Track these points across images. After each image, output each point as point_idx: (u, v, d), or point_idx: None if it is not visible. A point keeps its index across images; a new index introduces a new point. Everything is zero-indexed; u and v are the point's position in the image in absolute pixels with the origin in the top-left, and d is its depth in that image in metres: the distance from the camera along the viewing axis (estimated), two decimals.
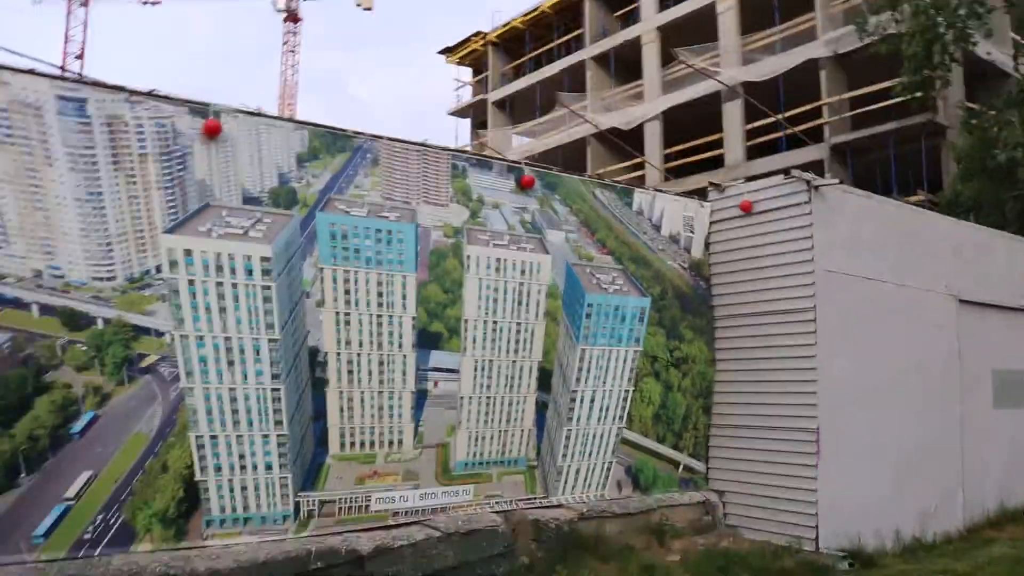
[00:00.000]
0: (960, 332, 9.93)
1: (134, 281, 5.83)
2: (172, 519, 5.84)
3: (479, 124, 43.19)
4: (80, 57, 70.87)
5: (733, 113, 30.14)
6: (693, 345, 8.90)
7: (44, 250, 5.56)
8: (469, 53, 44.20)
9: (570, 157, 35.29)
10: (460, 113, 44.71)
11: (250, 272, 6.15)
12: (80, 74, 6.03)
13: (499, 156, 7.85)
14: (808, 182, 8.42)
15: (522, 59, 41.74)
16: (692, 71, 29.78)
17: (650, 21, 34.32)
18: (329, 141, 6.81)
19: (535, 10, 40.00)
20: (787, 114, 28.24)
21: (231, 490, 6.10)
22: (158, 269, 5.88)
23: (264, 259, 6.22)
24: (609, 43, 35.85)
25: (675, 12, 33.37)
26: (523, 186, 7.81)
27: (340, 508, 6.58)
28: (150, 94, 6.06)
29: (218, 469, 6.05)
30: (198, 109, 6.19)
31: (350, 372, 6.69)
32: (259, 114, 6.52)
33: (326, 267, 6.60)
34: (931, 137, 24.89)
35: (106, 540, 5.58)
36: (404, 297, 6.96)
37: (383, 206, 6.95)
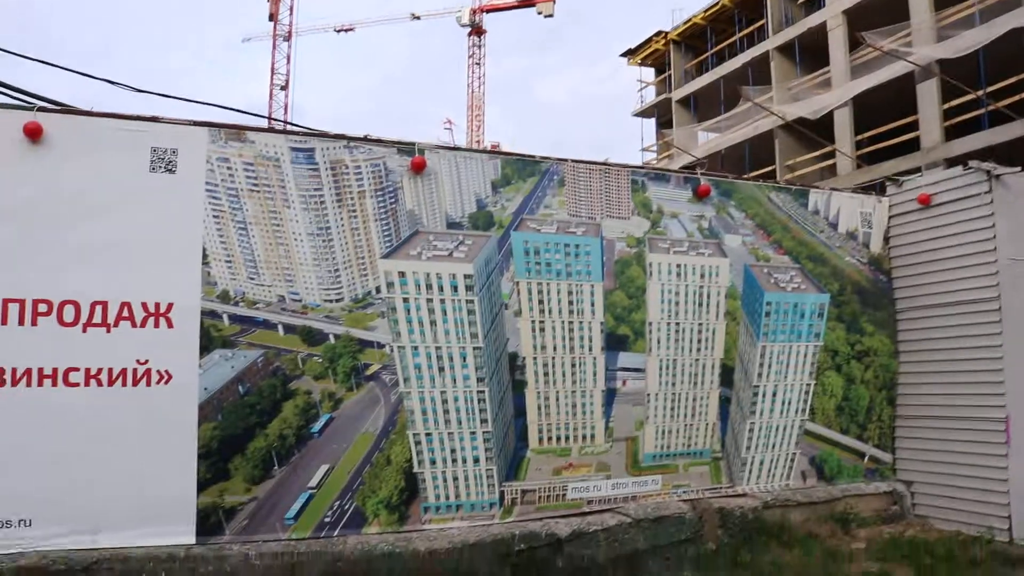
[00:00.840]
0: None
1: (358, 301, 6.80)
2: (395, 505, 6.77)
3: (664, 123, 43.30)
4: (285, 88, 76.10)
5: (928, 93, 28.90)
6: (875, 338, 9.08)
7: (286, 278, 6.62)
8: (651, 53, 44.43)
9: (757, 150, 34.91)
10: (644, 113, 44.96)
11: (455, 288, 7.01)
12: (309, 128, 7.07)
13: (674, 170, 8.37)
14: (988, 172, 8.44)
15: (704, 55, 41.58)
16: (881, 53, 28.85)
17: (835, 5, 33.39)
18: (519, 167, 7.59)
19: (716, 4, 39.76)
20: (989, 89, 26.86)
21: (445, 480, 6.97)
22: (377, 290, 6.84)
23: (467, 276, 7.06)
24: (793, 31, 35.15)
25: None
26: (699, 195, 8.32)
27: (540, 496, 7.33)
28: (365, 139, 7.04)
29: (433, 462, 6.93)
30: (405, 148, 7.11)
31: (546, 374, 7.44)
32: (457, 148, 7.41)
33: (521, 280, 7.38)
34: None
35: (342, 523, 6.56)
36: (592, 304, 7.64)
37: (570, 222, 7.66)
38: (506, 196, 7.48)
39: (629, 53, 45.61)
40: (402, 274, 6.89)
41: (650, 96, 45.39)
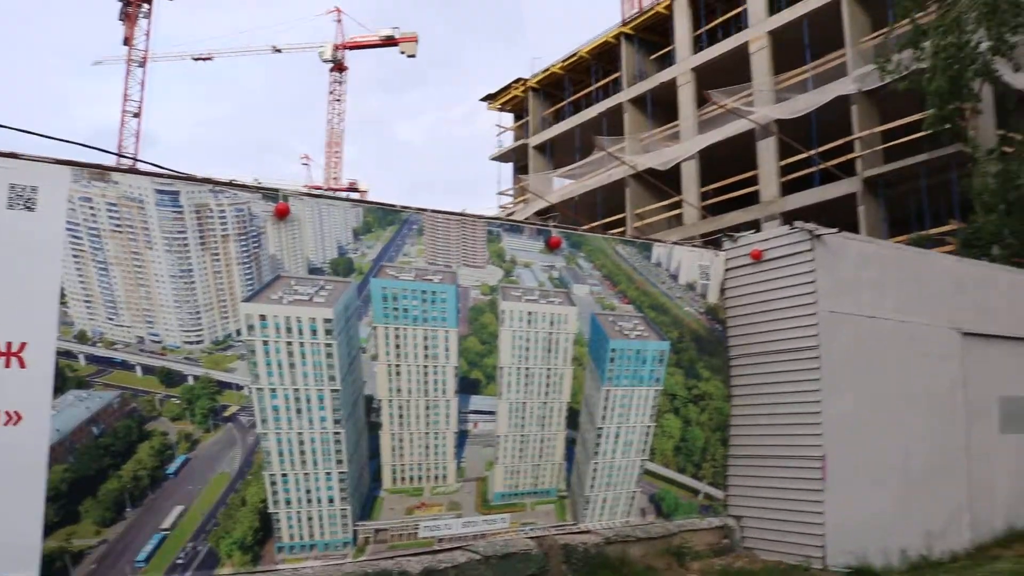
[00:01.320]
0: (964, 362, 10.65)
1: (218, 343, 6.91)
2: (249, 546, 6.86)
3: (521, 168, 44.36)
4: (138, 115, 73.72)
5: (767, 150, 30.89)
6: (710, 383, 9.77)
7: (146, 319, 6.68)
8: (510, 99, 45.57)
9: (609, 198, 36.29)
10: (502, 158, 45.95)
11: (315, 332, 7.21)
12: (175, 171, 7.17)
13: (527, 222, 8.84)
14: (811, 232, 9.29)
15: (561, 104, 43.00)
16: (726, 110, 30.67)
17: (685, 63, 35.31)
18: (380, 216, 7.88)
19: (573, 55, 41.30)
20: (820, 149, 28.95)
21: (299, 520, 7.11)
22: (238, 332, 6.96)
23: (327, 321, 7.28)
24: (646, 85, 36.90)
25: (710, 53, 34.33)
26: (551, 247, 8.81)
27: (392, 535, 7.56)
28: (230, 184, 7.20)
29: (288, 503, 7.06)
30: (269, 195, 7.30)
31: (401, 416, 7.70)
32: (321, 195, 7.64)
33: (379, 326, 7.64)
34: (961, 167, 25.39)
35: (195, 564, 6.61)
36: (447, 349, 7.98)
37: (428, 270, 7.99)
38: (367, 243, 7.75)
39: (489, 98, 46.60)
40: (263, 317, 7.04)
41: (508, 141, 46.43)
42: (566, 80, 42.76)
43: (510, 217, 37.99)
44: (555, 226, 9.04)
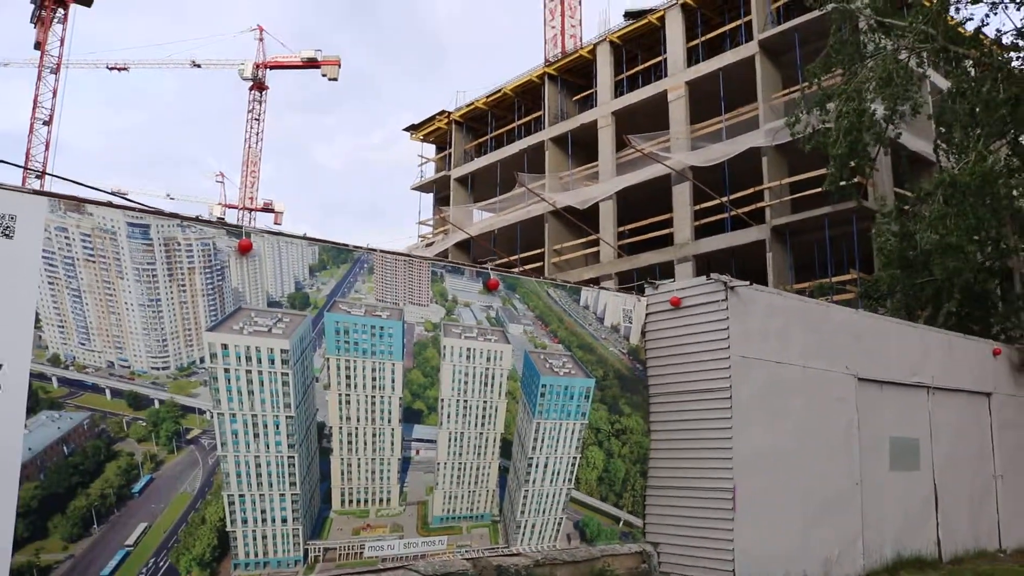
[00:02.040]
0: (859, 405, 11.67)
1: (183, 370, 7.35)
2: (208, 562, 7.27)
3: (442, 199, 45.05)
4: (48, 123, 71.95)
5: (682, 195, 32.26)
6: (631, 418, 10.52)
7: (116, 345, 7.08)
8: (434, 131, 46.31)
9: (529, 233, 37.22)
10: (423, 188, 46.57)
11: (272, 362, 7.70)
12: (146, 205, 7.60)
13: (468, 264, 9.47)
14: (725, 283, 10.15)
15: (484, 138, 43.94)
16: (644, 154, 31.95)
17: (606, 106, 36.61)
18: (334, 254, 8.44)
19: (497, 91, 42.28)
20: (732, 196, 30.39)
21: (255, 539, 7.56)
22: (201, 360, 7.41)
23: (283, 351, 7.78)
24: (567, 126, 38.07)
25: (630, 99, 35.70)
26: (489, 288, 9.47)
27: (340, 554, 8.04)
28: (197, 219, 7.67)
29: (245, 521, 7.51)
30: (234, 231, 7.79)
31: (350, 442, 8.22)
32: (280, 233, 8.13)
33: (332, 357, 8.17)
34: (861, 221, 27.03)
35: None
36: (393, 381, 8.54)
37: (377, 307, 8.56)
38: (322, 280, 8.29)
39: (412, 128, 47.23)
40: (225, 346, 7.51)
41: (430, 171, 47.09)
42: (489, 115, 43.73)
43: (448, 258, 38.57)
44: (493, 269, 9.70)
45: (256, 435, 7.59)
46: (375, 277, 8.64)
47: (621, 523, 10.30)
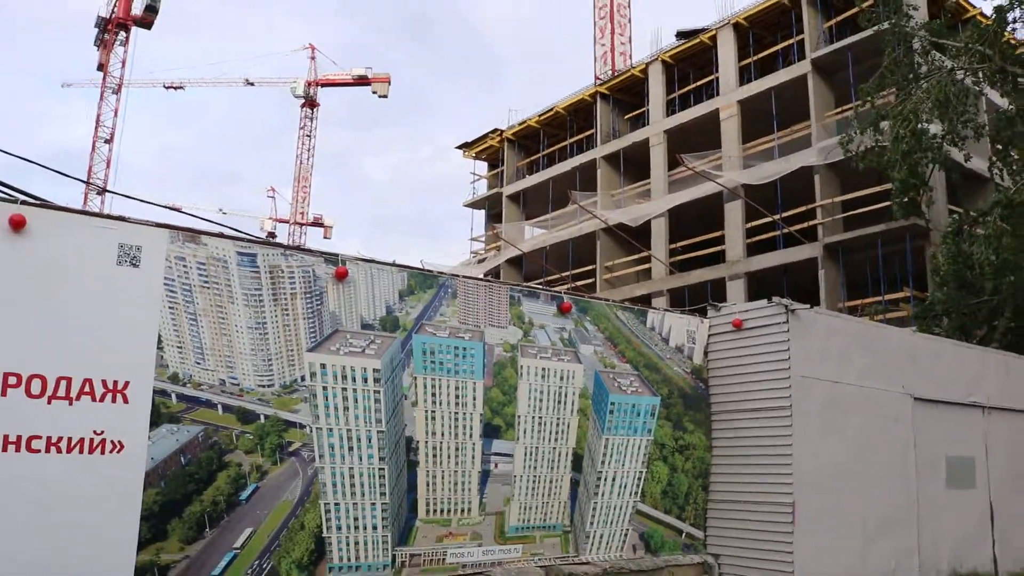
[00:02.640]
0: (915, 424, 12.00)
1: (286, 387, 7.99)
2: (305, 565, 7.88)
3: (494, 216, 45.72)
4: (109, 141, 74.07)
5: (734, 212, 32.55)
6: (694, 435, 10.97)
7: (227, 364, 7.74)
8: (486, 148, 47.07)
9: (581, 250, 37.72)
10: (475, 205, 47.29)
11: (366, 380, 8.31)
12: (255, 236, 8.27)
13: (543, 288, 10.02)
14: (786, 306, 10.58)
15: (536, 156, 44.57)
16: (696, 172, 32.30)
17: (658, 125, 37.06)
18: (421, 280, 9.04)
19: (550, 110, 42.94)
20: (784, 214, 30.64)
21: (348, 544, 8.15)
22: (302, 378, 8.04)
23: (375, 371, 8.39)
24: (619, 144, 38.57)
25: (681, 117, 36.13)
26: (562, 311, 10.01)
27: (424, 560, 8.62)
28: (299, 248, 8.33)
29: (339, 528, 8.11)
30: (330, 259, 8.43)
31: (435, 456, 8.80)
32: (373, 260, 8.75)
33: (419, 376, 8.76)
34: (915, 239, 27.14)
35: None
36: (474, 398, 9.11)
37: (460, 329, 9.14)
38: (410, 304, 8.89)
39: (465, 146, 48.02)
40: (323, 366, 8.13)
41: (482, 189, 47.81)
42: (542, 133, 44.37)
43: (499, 274, 39.19)
44: (567, 294, 10.24)
45: (351, 448, 8.19)
46: (458, 301, 9.22)
47: (684, 535, 10.74)
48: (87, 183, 65.01)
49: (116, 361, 7.14)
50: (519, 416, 9.48)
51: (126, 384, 7.14)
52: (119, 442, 7.04)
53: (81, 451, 6.89)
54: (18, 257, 6.87)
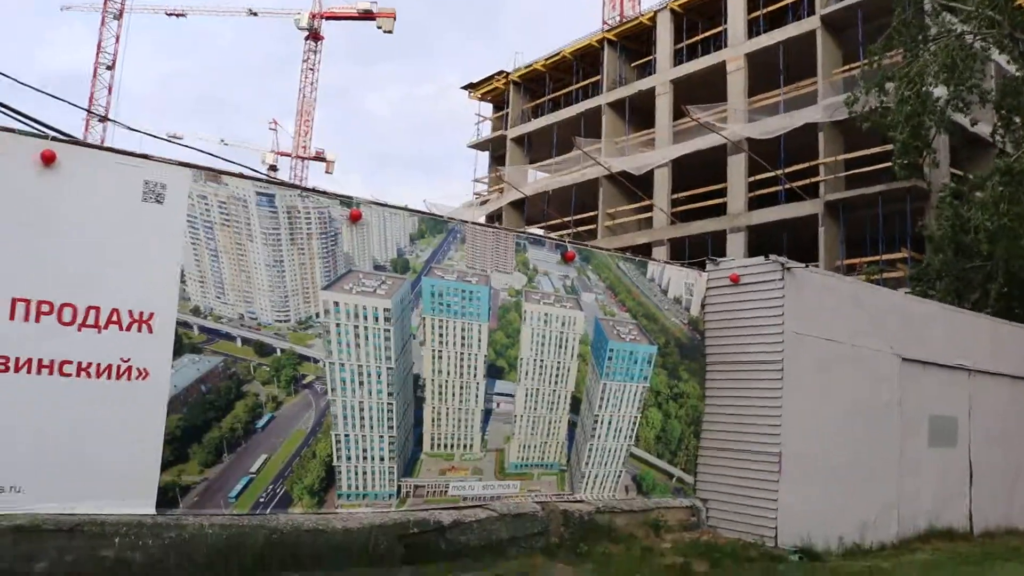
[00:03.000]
0: (902, 383, 12.41)
1: (301, 323, 8.36)
2: (316, 491, 8.33)
3: (498, 158, 45.71)
4: (111, 68, 73.59)
5: (737, 166, 32.63)
6: (688, 384, 11.39)
7: (245, 300, 8.10)
8: (491, 90, 46.83)
9: (583, 196, 37.86)
10: (479, 146, 47.21)
11: (376, 319, 8.68)
12: (273, 177, 8.55)
13: (548, 236, 10.35)
14: (782, 264, 10.92)
15: (541, 99, 44.41)
16: (700, 124, 32.36)
17: (664, 74, 36.92)
18: (431, 224, 9.36)
19: (556, 54, 42.68)
20: (787, 170, 30.75)
21: (356, 473, 8.59)
22: (317, 315, 8.41)
23: (386, 310, 8.75)
24: (625, 91, 38.44)
25: (688, 68, 35.98)
26: (566, 259, 10.35)
27: (428, 492, 9.08)
28: (314, 190, 8.63)
29: (348, 458, 8.54)
30: (345, 201, 8.73)
31: (440, 393, 9.21)
32: (386, 205, 9.06)
33: (427, 317, 9.13)
34: (916, 200, 27.33)
35: (273, 503, 8.05)
36: (479, 340, 9.50)
37: (467, 273, 9.49)
38: (420, 247, 9.22)
39: (470, 87, 47.78)
40: (336, 304, 8.50)
41: (486, 130, 47.65)
42: (547, 77, 44.14)
43: (502, 217, 39.41)
44: (570, 242, 10.57)
45: (361, 383, 8.59)
46: (466, 246, 9.55)
47: (674, 479, 11.22)
48: (88, 111, 64.76)
49: (141, 293, 7.51)
50: (521, 359, 9.87)
51: (151, 315, 7.52)
52: (144, 369, 7.45)
53: (109, 377, 7.31)
54: (49, 191, 7.20)
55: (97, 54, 72.40)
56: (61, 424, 7.07)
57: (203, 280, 7.87)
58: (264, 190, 8.31)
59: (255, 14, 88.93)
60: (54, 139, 7.47)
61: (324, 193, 8.69)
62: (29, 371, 7.00)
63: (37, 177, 7.18)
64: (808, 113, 30.12)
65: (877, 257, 28.05)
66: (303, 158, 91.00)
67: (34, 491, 6.92)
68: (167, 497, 7.47)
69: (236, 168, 8.50)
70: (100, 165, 7.51)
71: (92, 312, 7.28)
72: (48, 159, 7.19)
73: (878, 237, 28.38)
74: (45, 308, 7.11)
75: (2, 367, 6.88)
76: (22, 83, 9.10)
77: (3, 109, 7.71)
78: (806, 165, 30.43)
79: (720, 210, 33.06)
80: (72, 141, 7.69)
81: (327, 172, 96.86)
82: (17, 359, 6.95)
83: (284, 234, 8.33)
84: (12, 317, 6.98)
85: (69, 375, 7.15)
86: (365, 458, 8.64)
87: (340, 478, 8.49)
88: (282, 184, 8.46)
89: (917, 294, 20.49)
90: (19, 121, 7.75)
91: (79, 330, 7.22)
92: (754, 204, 32.19)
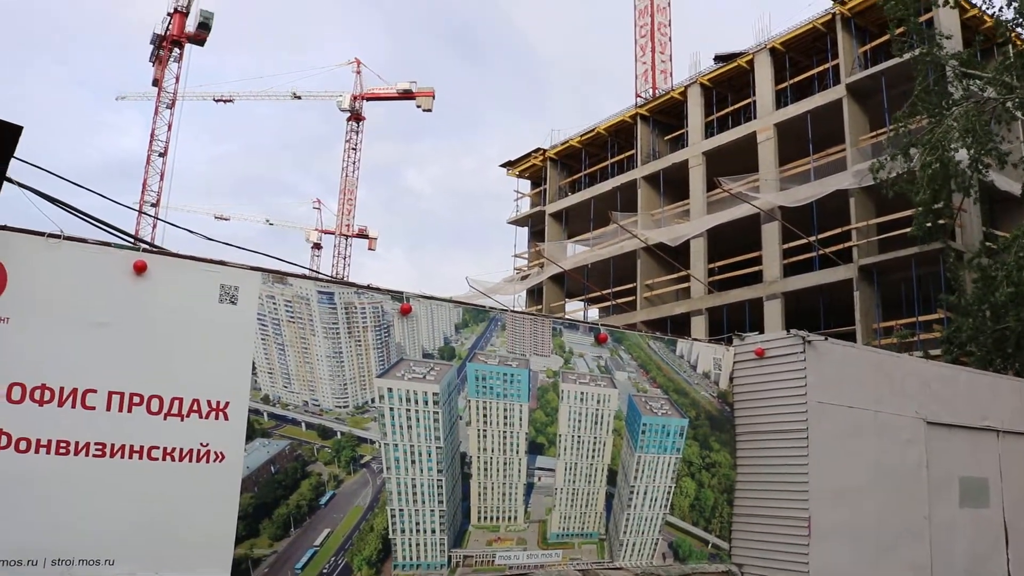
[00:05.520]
0: (928, 446, 12.93)
1: (359, 408, 9.24)
2: (374, 563, 9.10)
3: (537, 233, 46.87)
4: (163, 154, 76.41)
5: (771, 234, 33.38)
6: (720, 454, 12.05)
7: (309, 388, 9.01)
8: (529, 167, 48.26)
9: (621, 268, 38.74)
10: (519, 222, 48.48)
11: (426, 403, 9.54)
12: (332, 277, 9.51)
13: (581, 321, 11.18)
14: (803, 337, 11.63)
15: (578, 175, 45.69)
16: (734, 195, 33.21)
17: (696, 146, 38.00)
18: (475, 314, 10.26)
19: (591, 131, 44.05)
20: (820, 236, 31.44)
21: (410, 545, 9.36)
22: (372, 400, 9.29)
23: (435, 394, 9.61)
24: (658, 164, 39.57)
25: (719, 139, 37.03)
26: (599, 341, 11.17)
27: (476, 561, 9.80)
28: (369, 287, 9.58)
29: (403, 531, 9.32)
30: (397, 296, 9.67)
31: (485, 469, 9.99)
32: (433, 297, 9.98)
33: (472, 399, 9.96)
34: (949, 261, 27.74)
35: (336, 573, 8.82)
36: (520, 419, 10.30)
37: (508, 357, 10.35)
38: (465, 335, 10.10)
39: (509, 164, 49.25)
40: (390, 390, 9.37)
41: (525, 206, 48.97)
42: (583, 153, 45.48)
43: (542, 292, 40.31)
44: (603, 325, 11.39)
45: (413, 461, 9.42)
46: (507, 332, 10.42)
47: (710, 545, 11.81)
48: (139, 211, 66.92)
49: (218, 385, 8.43)
50: (560, 435, 10.64)
51: (227, 404, 8.43)
52: (221, 453, 8.33)
53: (190, 460, 8.19)
54: (140, 295, 8.20)
55: (150, 142, 75.31)
56: (149, 503, 7.93)
57: (271, 371, 8.80)
58: (324, 289, 9.28)
59: (299, 97, 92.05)
60: (145, 250, 8.52)
61: (378, 289, 9.63)
62: (123, 456, 7.89)
63: (130, 284, 8.18)
64: (838, 180, 30.86)
65: (913, 319, 28.44)
66: (347, 236, 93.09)
67: (125, 562, 7.75)
68: (240, 568, 8.27)
69: (299, 270, 9.50)
70: (183, 271, 8.50)
71: (176, 402, 8.20)
72: (139, 268, 8.20)
73: (914, 299, 28.76)
74: (136, 400, 8.03)
75: (99, 453, 7.79)
76: (78, 184, 9.96)
77: (101, 225, 8.77)
78: (839, 230, 31.09)
79: (756, 278, 33.68)
80: (159, 251, 8.73)
81: (370, 249, 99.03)
82: (112, 445, 7.85)
83: (342, 328, 9.27)
84: (108, 408, 7.91)
85: (156, 459, 8.03)
86: (418, 531, 9.41)
87: (396, 550, 9.25)
88: (340, 283, 9.41)
89: (948, 357, 20.89)
90: (112, 234, 8.80)
91: (165, 419, 8.12)
92: (789, 270, 32.78)
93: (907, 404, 12.79)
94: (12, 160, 7.49)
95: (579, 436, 10.79)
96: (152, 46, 78.01)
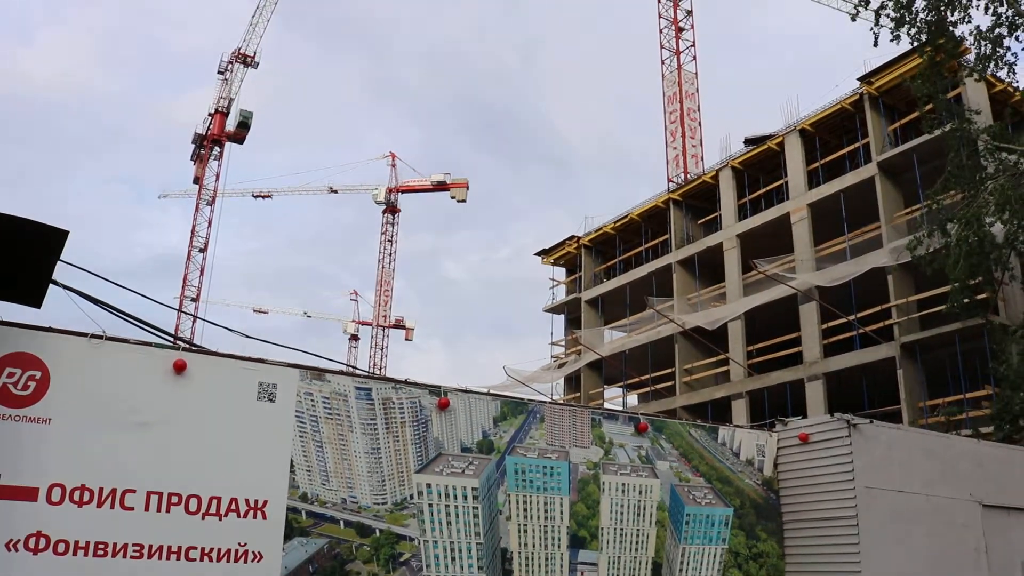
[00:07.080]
0: (986, 530, 12.51)
1: (397, 505, 9.15)
2: None
3: (573, 320, 46.83)
4: (204, 250, 77.85)
5: (809, 314, 33.07)
6: (767, 543, 11.73)
7: (347, 485, 8.96)
8: (563, 255, 48.51)
9: (659, 353, 38.47)
10: (555, 310, 48.50)
11: (466, 498, 9.43)
12: (369, 373, 9.55)
13: (620, 411, 11.07)
14: (848, 421, 11.40)
15: (612, 261, 45.80)
16: (770, 276, 33.05)
17: (730, 229, 38.02)
18: (513, 407, 10.20)
19: (624, 217, 44.30)
20: (859, 315, 31.06)
21: None
22: (411, 497, 9.20)
23: (474, 489, 9.50)
24: (693, 248, 39.56)
25: (753, 221, 37.02)
26: (639, 431, 11.03)
27: None
28: (406, 382, 9.59)
29: None
30: (434, 391, 9.66)
31: (527, 565, 9.79)
32: (470, 391, 9.96)
33: (512, 493, 9.84)
34: (993, 336, 27.25)
35: None
36: (561, 512, 10.13)
37: (548, 450, 10.24)
38: (503, 428, 10.04)
39: (543, 253, 49.55)
40: (429, 485, 9.29)
41: (560, 294, 49.06)
42: (617, 239, 45.66)
43: (580, 379, 40.18)
44: (643, 415, 11.27)
45: (453, 559, 9.26)
46: (546, 424, 10.33)
47: None
48: (179, 310, 67.93)
49: (257, 483, 8.42)
50: (602, 528, 10.43)
51: (265, 503, 8.40)
52: (259, 552, 8.27)
53: (228, 560, 8.14)
54: (179, 394, 8.28)
55: (191, 238, 76.80)
56: None
57: (310, 469, 8.77)
58: (362, 384, 9.30)
59: (335, 191, 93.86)
60: (184, 350, 8.63)
61: (415, 384, 9.63)
62: (160, 557, 7.86)
63: (170, 383, 8.27)
64: (874, 258, 30.58)
65: (960, 396, 27.84)
66: (383, 327, 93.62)
67: None
68: None
69: (337, 365, 9.54)
70: (222, 369, 8.59)
71: (214, 502, 8.18)
72: (179, 368, 8.31)
73: (959, 376, 28.21)
74: (175, 499, 8.03)
75: (137, 554, 7.76)
76: (118, 284, 10.07)
77: (141, 324, 8.91)
78: (878, 308, 30.74)
79: (796, 359, 33.27)
80: (198, 350, 8.83)
81: (407, 339, 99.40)
82: (150, 546, 7.83)
83: (380, 423, 9.25)
84: (147, 508, 7.92)
85: (194, 560, 7.98)
86: None
87: None
88: (378, 378, 9.44)
89: (1000, 435, 20.37)
90: (152, 333, 8.93)
91: (203, 518, 8.10)
92: (829, 350, 32.35)
93: (960, 487, 12.41)
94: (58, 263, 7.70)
95: (622, 529, 10.58)
96: (193, 145, 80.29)
